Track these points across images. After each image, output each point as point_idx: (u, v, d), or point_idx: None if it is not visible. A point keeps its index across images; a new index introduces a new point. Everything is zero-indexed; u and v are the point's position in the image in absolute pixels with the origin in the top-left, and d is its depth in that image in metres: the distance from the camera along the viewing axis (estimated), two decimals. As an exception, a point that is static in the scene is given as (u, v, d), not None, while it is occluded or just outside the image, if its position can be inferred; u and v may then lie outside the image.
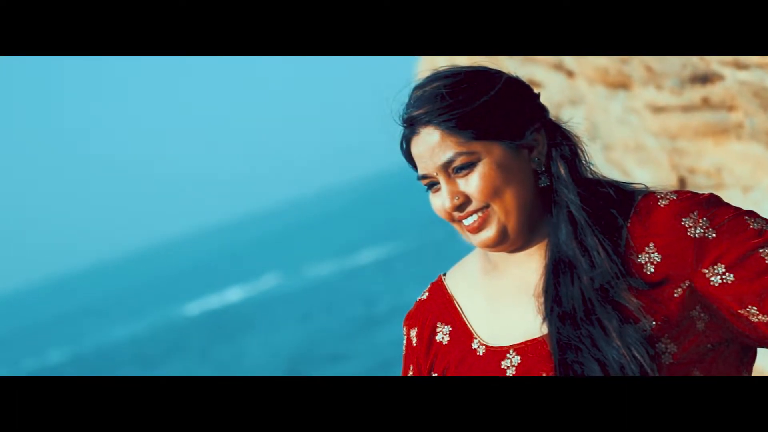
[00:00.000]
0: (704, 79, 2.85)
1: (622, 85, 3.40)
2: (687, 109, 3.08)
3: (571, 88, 3.94)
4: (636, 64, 3.05)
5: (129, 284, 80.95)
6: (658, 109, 3.27)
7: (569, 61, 3.64)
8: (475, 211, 1.17)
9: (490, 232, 1.17)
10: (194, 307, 41.00)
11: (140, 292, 64.93)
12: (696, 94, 2.95)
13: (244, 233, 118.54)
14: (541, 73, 3.98)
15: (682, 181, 3.45)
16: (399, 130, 1.25)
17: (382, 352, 17.63)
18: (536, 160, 1.19)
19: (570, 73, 3.83)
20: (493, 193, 1.15)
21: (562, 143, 1.22)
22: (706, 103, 2.97)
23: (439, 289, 1.34)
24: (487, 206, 1.16)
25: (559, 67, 3.83)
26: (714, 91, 2.89)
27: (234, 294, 41.71)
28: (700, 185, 3.34)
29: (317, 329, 24.10)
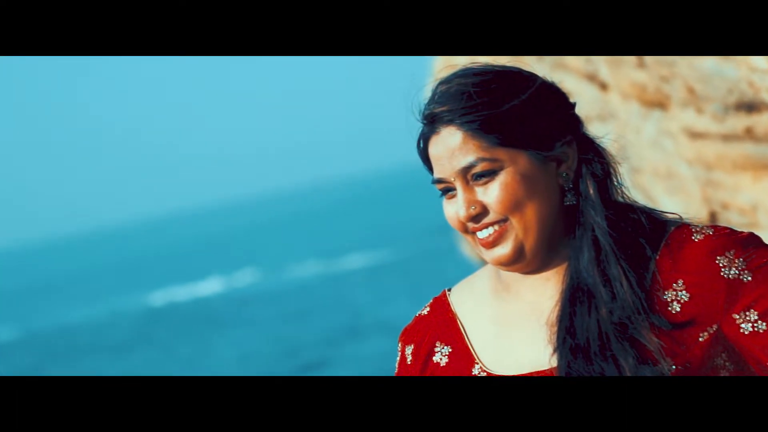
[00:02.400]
0: (750, 107, 2.84)
1: (659, 104, 3.40)
2: (727, 138, 3.08)
3: (602, 101, 3.94)
4: (678, 84, 3.05)
5: (90, 264, 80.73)
6: (695, 135, 3.27)
7: (604, 72, 3.64)
8: (492, 224, 1.16)
9: (505, 249, 1.16)
10: (160, 297, 40.86)
11: (102, 274, 64.75)
12: (739, 122, 2.95)
13: (223, 222, 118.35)
14: (572, 82, 3.97)
15: (713, 216, 3.45)
16: (415, 128, 1.23)
17: (360, 366, 17.61)
18: (564, 175, 1.19)
19: (603, 86, 3.82)
20: (514, 206, 1.14)
21: (594, 160, 1.21)
22: (749, 134, 2.96)
23: (442, 306, 1.32)
24: (505, 220, 1.15)
25: (592, 78, 3.83)
26: (760, 121, 2.88)
27: (206, 287, 41.57)
28: (732, 222, 3.32)
29: (293, 335, 24.07)
